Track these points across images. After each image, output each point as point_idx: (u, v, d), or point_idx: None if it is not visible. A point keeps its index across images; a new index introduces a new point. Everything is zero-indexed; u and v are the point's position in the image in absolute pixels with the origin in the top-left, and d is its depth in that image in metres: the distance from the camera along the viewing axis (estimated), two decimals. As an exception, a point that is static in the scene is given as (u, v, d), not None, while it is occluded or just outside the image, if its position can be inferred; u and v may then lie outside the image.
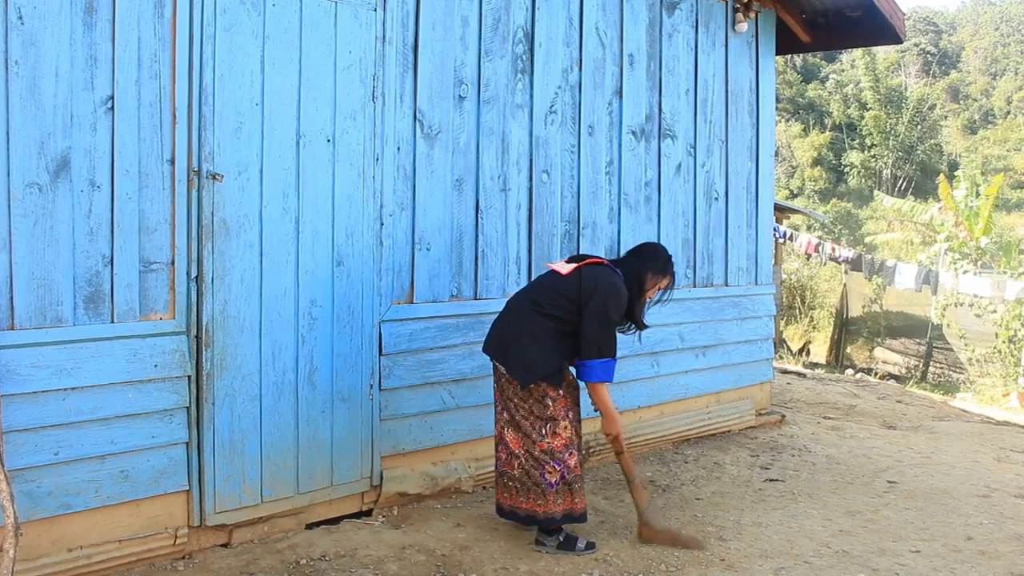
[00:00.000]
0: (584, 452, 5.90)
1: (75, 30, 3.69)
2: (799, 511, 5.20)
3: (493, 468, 5.33)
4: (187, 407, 4.08)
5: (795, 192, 45.06)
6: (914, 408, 10.17)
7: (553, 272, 4.47)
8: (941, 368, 17.14)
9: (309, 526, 4.61)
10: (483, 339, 5.22)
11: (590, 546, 4.43)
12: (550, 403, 4.31)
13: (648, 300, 4.58)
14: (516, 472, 4.40)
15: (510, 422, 4.38)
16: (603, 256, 4.53)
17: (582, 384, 4.46)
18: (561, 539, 4.41)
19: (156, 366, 3.97)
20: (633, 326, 4.59)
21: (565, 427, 4.34)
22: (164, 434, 4.01)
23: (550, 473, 4.31)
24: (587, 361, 4.29)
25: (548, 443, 4.30)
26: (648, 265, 4.52)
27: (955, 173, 21.84)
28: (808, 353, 19.15)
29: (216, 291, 4.15)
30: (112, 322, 3.85)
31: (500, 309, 5.27)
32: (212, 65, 4.11)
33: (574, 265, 4.40)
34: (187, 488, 4.11)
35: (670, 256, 4.65)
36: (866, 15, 7.65)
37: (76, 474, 3.76)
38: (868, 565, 4.39)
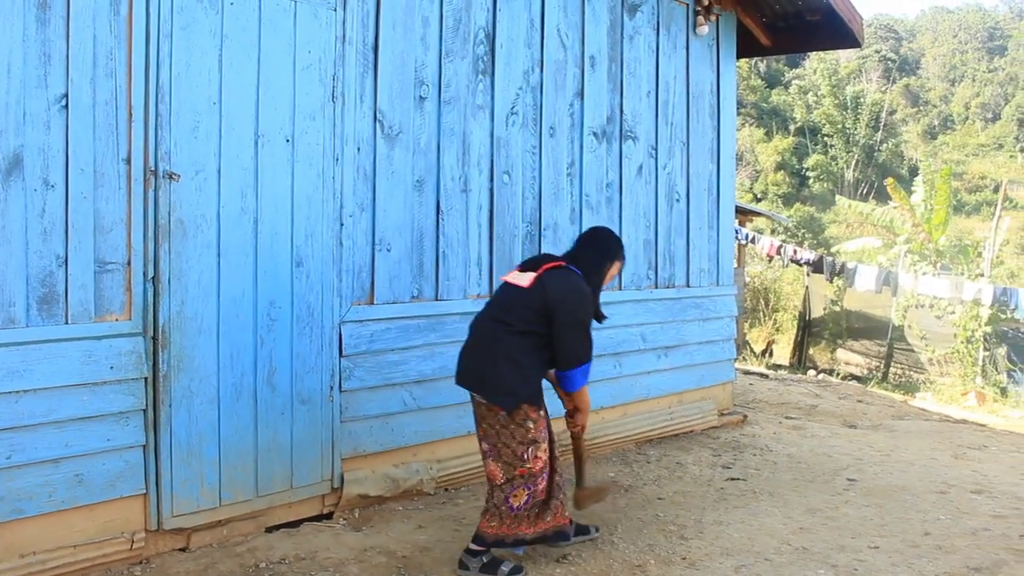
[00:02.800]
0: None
1: (28, 26, 3.64)
2: (760, 509, 5.23)
3: (457, 470, 5.34)
4: (143, 409, 4.03)
5: (759, 196, 45.36)
6: (875, 407, 10.28)
7: (512, 286, 4.21)
8: (902, 368, 17.32)
9: (269, 529, 4.57)
10: (444, 340, 5.23)
11: (516, 570, 4.15)
12: (531, 425, 4.09)
13: (604, 286, 4.43)
14: (490, 501, 4.18)
15: (490, 452, 4.14)
16: (558, 257, 4.35)
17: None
18: (484, 561, 4.14)
19: (112, 368, 3.92)
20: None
21: (544, 449, 4.16)
22: (120, 437, 3.96)
23: (515, 497, 4.10)
24: (567, 372, 4.17)
25: (529, 468, 4.08)
26: (607, 255, 4.38)
27: (915, 179, 22.11)
28: (771, 354, 19.28)
29: (173, 292, 4.10)
30: (66, 323, 3.80)
31: (461, 310, 5.30)
32: (169, 63, 4.07)
33: (532, 275, 4.14)
34: (144, 492, 4.06)
35: (619, 237, 4.52)
36: (825, 19, 7.73)
37: (29, 478, 3.70)
38: (828, 561, 4.42)
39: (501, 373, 4.05)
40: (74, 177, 3.79)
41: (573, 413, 4.48)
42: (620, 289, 6.50)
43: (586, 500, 4.71)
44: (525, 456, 4.08)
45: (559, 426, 4.57)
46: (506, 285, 4.28)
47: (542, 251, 5.87)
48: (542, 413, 4.19)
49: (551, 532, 4.25)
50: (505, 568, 4.13)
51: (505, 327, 4.10)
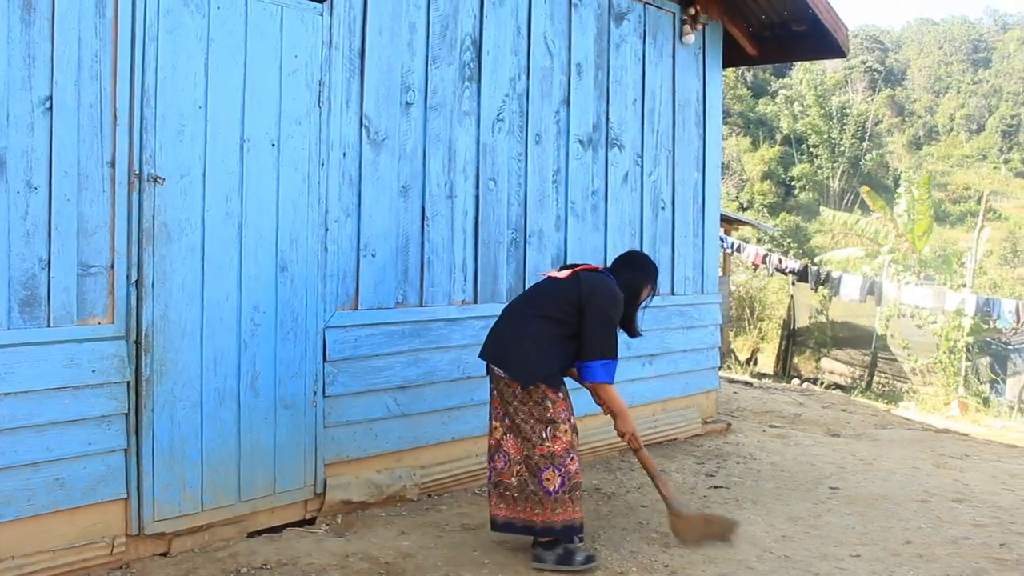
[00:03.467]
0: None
1: (12, 28, 3.63)
2: (743, 517, 5.24)
3: (440, 476, 5.34)
4: (125, 413, 4.01)
5: (745, 206, 45.57)
6: (858, 416, 10.32)
7: (549, 278, 4.47)
8: (885, 378, 17.42)
9: (251, 534, 4.55)
10: (428, 346, 5.24)
11: (589, 559, 4.28)
12: (550, 405, 4.22)
13: (641, 307, 4.59)
14: (514, 481, 4.27)
15: (511, 428, 4.27)
16: (595, 264, 4.56)
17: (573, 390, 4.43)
18: (560, 552, 4.24)
19: (94, 371, 3.90)
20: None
21: (565, 431, 4.23)
22: (101, 441, 3.94)
23: (548, 480, 4.17)
24: (589, 362, 4.27)
25: (548, 447, 4.18)
26: (642, 275, 4.54)
27: (899, 189, 22.27)
28: (755, 363, 19.35)
29: (156, 295, 4.09)
30: (48, 326, 3.78)
31: (446, 316, 5.33)
32: (155, 67, 4.06)
33: (570, 271, 4.40)
34: (125, 496, 4.04)
35: (655, 264, 4.68)
36: (811, 29, 7.77)
37: (9, 482, 3.67)
38: (810, 569, 4.43)
39: (522, 349, 4.22)
40: (58, 180, 3.77)
41: (616, 424, 4.50)
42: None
43: (687, 532, 4.51)
44: (544, 435, 4.20)
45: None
46: (545, 278, 4.54)
47: (527, 258, 5.90)
48: (561, 395, 4.30)
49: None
50: (579, 557, 4.26)
51: (534, 310, 4.31)
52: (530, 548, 4.38)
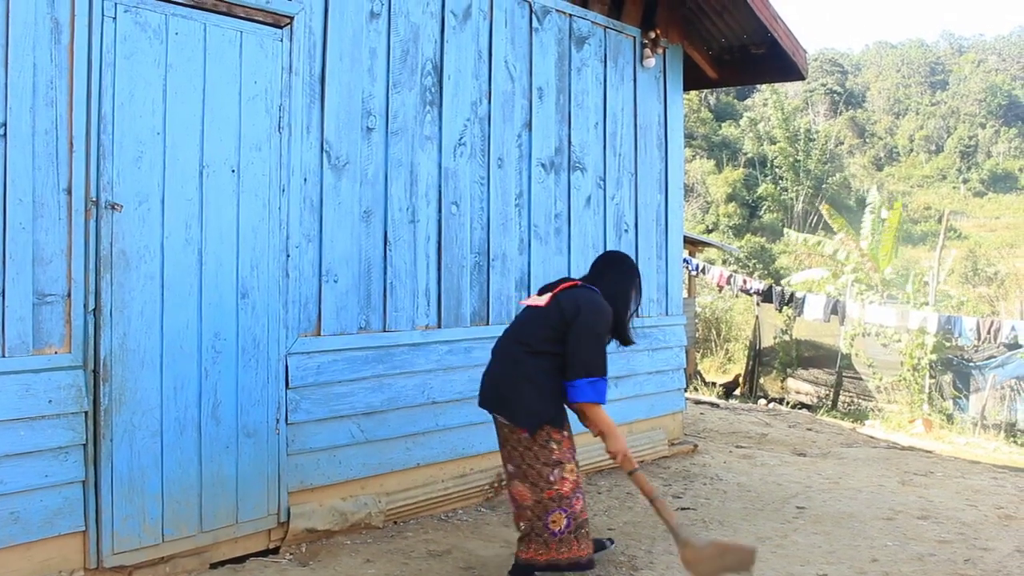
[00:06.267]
0: (497, 483, 5.88)
1: (-35, 56, 3.59)
2: (710, 538, 5.23)
3: (406, 503, 5.31)
4: (83, 444, 3.95)
5: (710, 228, 45.90)
6: (824, 435, 10.38)
7: (531, 307, 4.31)
8: (851, 396, 17.54)
9: (214, 565, 4.48)
10: (392, 371, 5.21)
11: None
12: (555, 447, 4.10)
13: (631, 313, 4.44)
14: (524, 525, 4.20)
15: (516, 474, 4.16)
16: (576, 279, 4.38)
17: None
18: None
19: (50, 402, 3.84)
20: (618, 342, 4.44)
21: (571, 470, 4.14)
22: (58, 473, 3.87)
23: (554, 522, 4.10)
24: (575, 381, 4.05)
25: (556, 489, 4.08)
26: (628, 276, 4.41)
27: (864, 209, 22.54)
28: (743, 387, 19.24)
29: (115, 324, 4.04)
30: (3, 356, 3.72)
31: (410, 341, 5.31)
32: (112, 93, 4.03)
33: (549, 295, 4.25)
34: (83, 529, 3.97)
35: (633, 261, 4.57)
36: (770, 52, 7.87)
37: (-38, 516, 3.60)
38: (776, 590, 4.44)
39: (522, 395, 4.09)
40: (12, 207, 3.73)
41: (607, 444, 4.23)
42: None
43: (701, 565, 4.06)
44: (551, 478, 4.08)
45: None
46: (526, 308, 4.38)
47: (491, 281, 5.89)
48: (565, 434, 4.17)
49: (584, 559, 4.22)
50: None
51: (524, 348, 4.15)
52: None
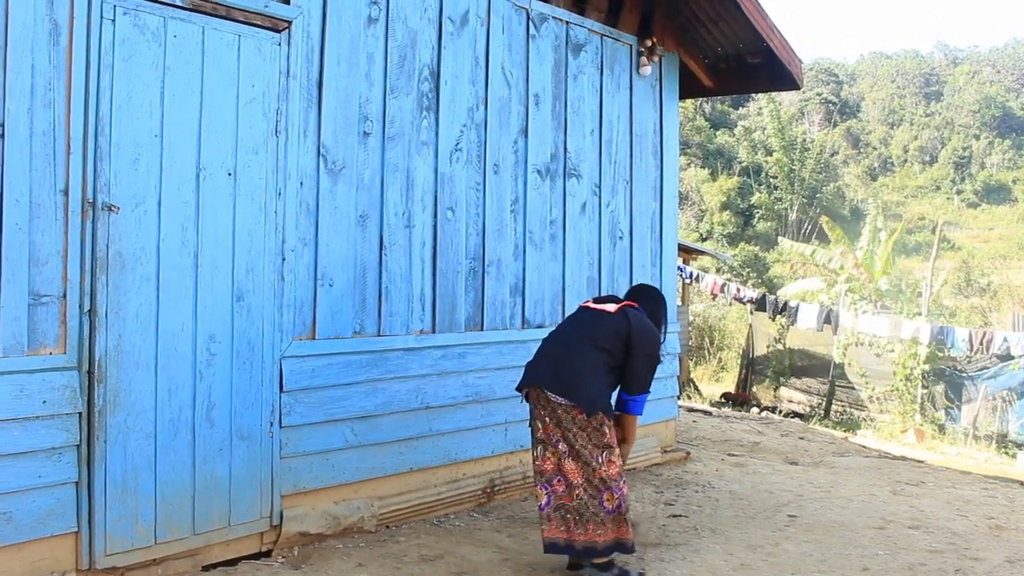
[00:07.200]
0: (489, 488, 5.89)
1: (-37, 56, 3.60)
2: (702, 546, 5.25)
3: (399, 507, 5.30)
4: (77, 445, 3.95)
5: (704, 236, 45.97)
6: (816, 444, 10.40)
7: (597, 310, 4.71)
8: (843, 405, 17.56)
9: (206, 568, 4.48)
10: (386, 376, 5.22)
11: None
12: (607, 431, 4.43)
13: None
14: (574, 503, 4.43)
15: (569, 452, 4.43)
16: (622, 298, 4.89)
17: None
18: (616, 572, 4.46)
19: (44, 402, 3.84)
20: None
21: (617, 455, 4.49)
22: (52, 474, 3.87)
23: (608, 501, 4.39)
24: (636, 396, 4.63)
25: (605, 471, 4.39)
26: (663, 307, 4.94)
27: (860, 221, 22.62)
28: (737, 404, 19.18)
29: (110, 325, 4.04)
30: (-2, 356, 3.72)
31: (404, 346, 5.33)
32: (109, 95, 4.04)
33: (615, 306, 4.66)
34: (76, 530, 3.97)
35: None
36: (765, 61, 7.89)
37: (-45, 516, 3.60)
38: (767, 597, 4.45)
39: (587, 382, 4.43)
40: (9, 208, 3.73)
41: (623, 450, 4.69)
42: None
43: None
44: (600, 459, 4.40)
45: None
46: (589, 309, 4.79)
47: (485, 287, 5.91)
48: (612, 423, 4.53)
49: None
50: (633, 574, 4.54)
51: (592, 343, 4.54)
52: (566, 570, 4.64)
